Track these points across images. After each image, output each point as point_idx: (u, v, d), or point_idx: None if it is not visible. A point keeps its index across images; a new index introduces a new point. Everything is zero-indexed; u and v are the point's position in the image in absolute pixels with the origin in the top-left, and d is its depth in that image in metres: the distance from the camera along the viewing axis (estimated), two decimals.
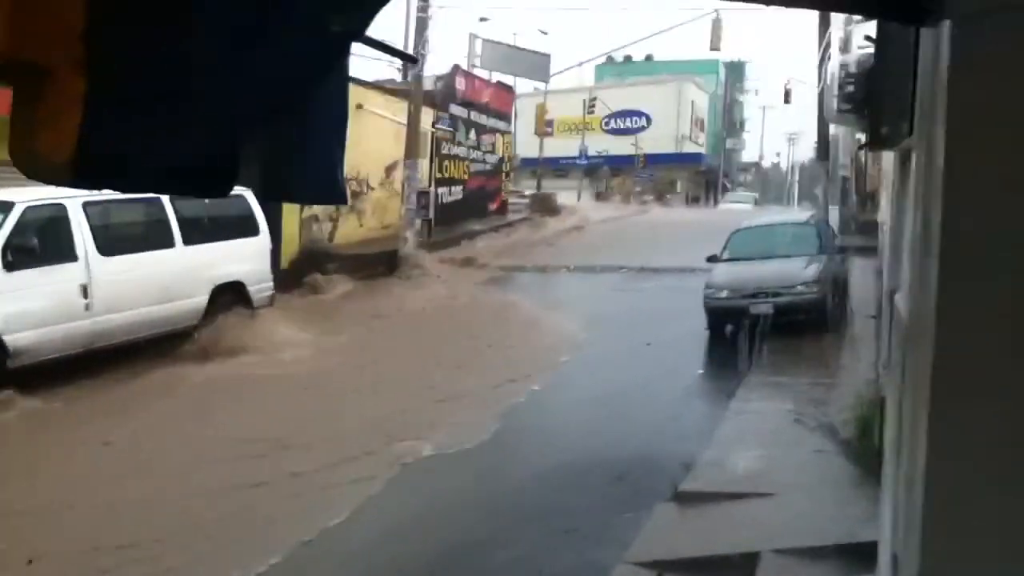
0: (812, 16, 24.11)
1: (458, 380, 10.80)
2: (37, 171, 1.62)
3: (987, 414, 1.44)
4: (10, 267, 9.86)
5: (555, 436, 9.18)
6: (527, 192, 35.55)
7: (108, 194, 10.75)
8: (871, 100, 3.25)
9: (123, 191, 1.87)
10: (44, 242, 10.25)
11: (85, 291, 10.59)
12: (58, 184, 1.64)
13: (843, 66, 3.58)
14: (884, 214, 8.18)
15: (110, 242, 11.09)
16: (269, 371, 10.92)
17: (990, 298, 1.44)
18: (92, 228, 10.81)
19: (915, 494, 1.62)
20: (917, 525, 1.54)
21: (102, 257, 10.84)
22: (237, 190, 2.07)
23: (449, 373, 11.13)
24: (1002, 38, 1.37)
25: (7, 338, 9.71)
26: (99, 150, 1.63)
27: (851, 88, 3.46)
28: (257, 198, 11.48)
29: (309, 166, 2.31)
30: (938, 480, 1.49)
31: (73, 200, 10.54)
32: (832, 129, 23.66)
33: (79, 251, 10.63)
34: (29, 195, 10.28)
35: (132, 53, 1.70)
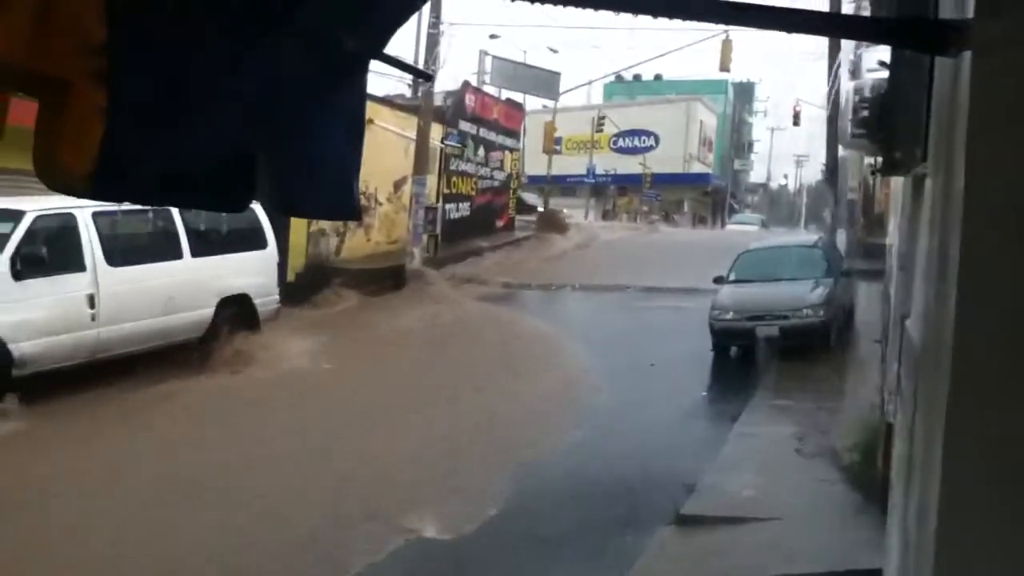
0: (823, 39, 24.21)
1: (457, 413, 10.41)
2: (59, 184, 1.63)
3: (1004, 441, 1.43)
4: (18, 276, 9.88)
5: (553, 458, 9.09)
6: (535, 206, 35.46)
7: (118, 204, 10.80)
8: (885, 125, 3.25)
9: (142, 204, 1.88)
10: (53, 251, 10.27)
11: (92, 301, 10.60)
12: (79, 196, 1.65)
13: (857, 90, 3.57)
14: (892, 238, 8.15)
15: (118, 252, 11.11)
16: (260, 392, 10.73)
17: (1008, 324, 1.43)
18: (101, 238, 10.83)
19: (928, 521, 1.61)
20: (930, 554, 1.53)
21: (110, 267, 10.86)
22: None
23: (447, 405, 10.66)
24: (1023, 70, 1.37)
25: (13, 347, 9.73)
26: (119, 163, 1.63)
27: (865, 113, 3.45)
28: (271, 212, 11.48)
29: (324, 181, 2.31)
30: (952, 507, 1.48)
31: (83, 210, 10.58)
32: (840, 152, 23.68)
33: (87, 261, 10.65)
34: (39, 204, 10.32)
35: (151, 67, 1.71)
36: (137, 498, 7.37)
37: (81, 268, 10.59)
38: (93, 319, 10.59)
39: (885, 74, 3.33)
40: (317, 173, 2.26)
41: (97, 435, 8.95)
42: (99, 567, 6.20)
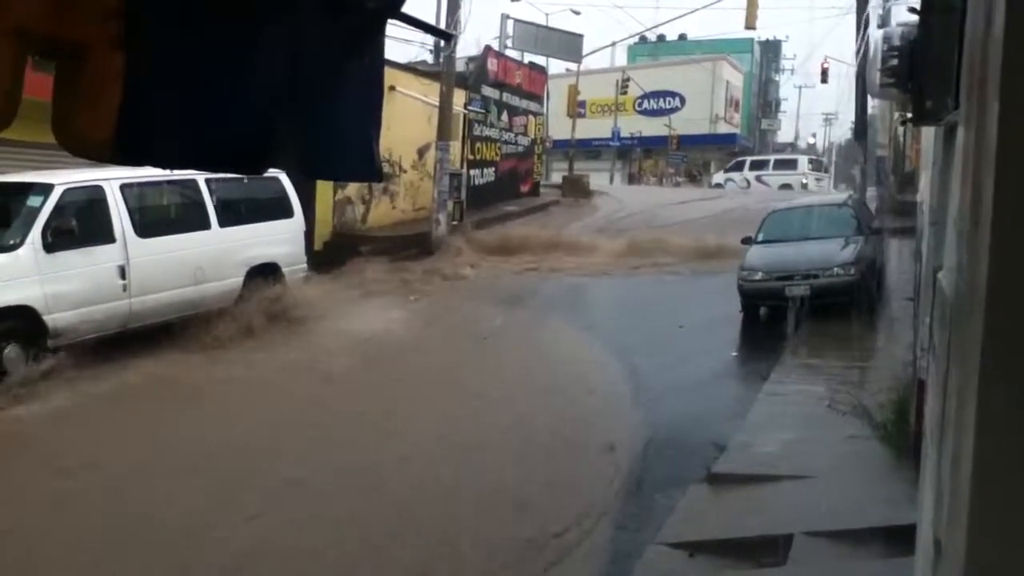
0: None
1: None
2: (79, 149, 1.63)
3: None
4: (50, 248, 10.01)
5: (585, 418, 9.09)
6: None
7: (145, 176, 10.88)
8: (915, 73, 3.17)
9: (161, 167, 1.88)
10: (83, 224, 10.40)
11: (123, 272, 10.73)
12: (99, 161, 1.66)
13: (886, 38, 3.47)
14: (923, 194, 8.02)
15: (147, 224, 11.24)
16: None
17: None
18: (129, 210, 10.96)
19: (962, 473, 1.59)
20: (964, 503, 1.51)
21: (139, 238, 10.98)
22: (271, 172, 2.08)
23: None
24: None
25: (47, 318, 9.88)
26: (137, 127, 1.63)
27: (895, 61, 3.36)
28: (294, 176, 11.52)
29: (345, 144, 2.31)
30: (987, 459, 1.45)
31: (111, 182, 10.67)
32: (870, 109, 23.31)
33: (117, 232, 10.77)
34: (68, 177, 10.42)
35: (168, 30, 1.70)
36: None
37: (111, 239, 10.71)
38: (124, 290, 10.72)
39: (916, 20, 3.25)
40: (338, 136, 2.26)
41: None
42: None
